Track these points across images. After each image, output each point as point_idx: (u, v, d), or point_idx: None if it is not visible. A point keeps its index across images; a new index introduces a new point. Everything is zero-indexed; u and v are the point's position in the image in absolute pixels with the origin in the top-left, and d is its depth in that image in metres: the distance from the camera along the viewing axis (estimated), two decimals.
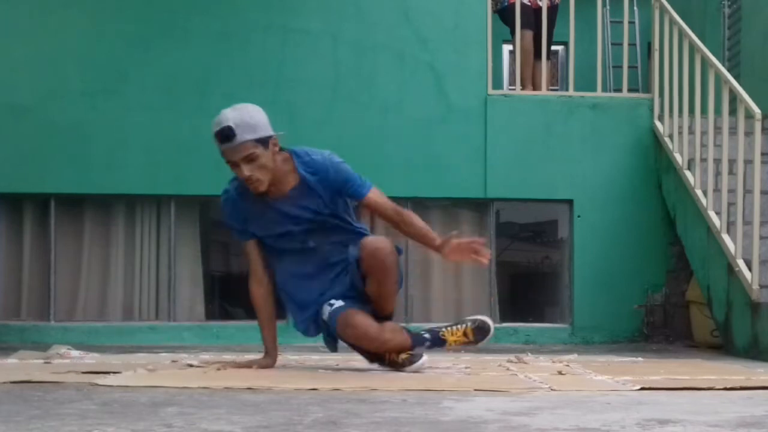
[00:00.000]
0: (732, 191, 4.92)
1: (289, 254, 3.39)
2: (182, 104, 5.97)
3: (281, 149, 3.31)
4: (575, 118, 6.19)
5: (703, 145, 5.35)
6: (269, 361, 3.43)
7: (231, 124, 3.13)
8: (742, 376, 3.38)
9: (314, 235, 3.37)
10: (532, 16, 6.45)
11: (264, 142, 3.19)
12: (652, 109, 6.18)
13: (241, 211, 3.37)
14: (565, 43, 6.84)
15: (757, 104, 4.79)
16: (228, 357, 4.15)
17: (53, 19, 5.98)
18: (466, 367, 3.63)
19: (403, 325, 6.19)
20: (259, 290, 3.43)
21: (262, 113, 3.23)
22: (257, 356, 3.52)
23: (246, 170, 3.18)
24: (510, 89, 8.57)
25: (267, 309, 3.44)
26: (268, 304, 3.44)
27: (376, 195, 3.37)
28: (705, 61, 5.27)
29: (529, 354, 4.52)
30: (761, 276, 4.61)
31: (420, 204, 6.20)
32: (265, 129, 3.21)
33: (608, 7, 8.16)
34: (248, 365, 3.42)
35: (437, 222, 6.30)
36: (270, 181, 3.25)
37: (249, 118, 3.17)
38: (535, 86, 6.59)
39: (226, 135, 3.13)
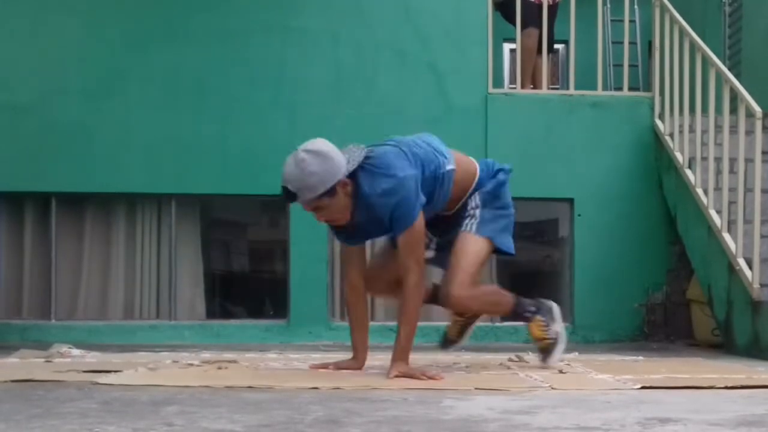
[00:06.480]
0: (733, 190, 4.91)
1: None
2: (183, 103, 5.97)
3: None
4: (576, 116, 6.19)
5: (704, 144, 5.34)
6: (354, 363, 3.37)
7: (290, 187, 2.96)
8: (742, 374, 3.38)
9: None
10: (536, 11, 6.41)
11: (330, 192, 2.99)
12: (652, 108, 6.16)
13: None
14: (566, 42, 6.82)
15: (758, 103, 4.79)
16: (229, 356, 4.14)
17: (54, 18, 5.97)
18: (467, 366, 3.63)
19: None
20: (352, 295, 3.38)
21: (327, 161, 3.00)
22: (344, 358, 3.48)
23: (320, 217, 3.10)
24: (511, 88, 8.55)
25: (357, 312, 3.39)
26: (358, 309, 3.38)
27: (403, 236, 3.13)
28: (706, 60, 5.26)
29: (530, 353, 4.52)
30: (762, 275, 4.61)
31: None
32: (329, 179, 2.98)
33: (609, 6, 8.14)
34: (335, 365, 3.39)
35: None
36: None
37: (309, 176, 2.94)
38: (535, 83, 6.57)
39: (287, 197, 3.00)
